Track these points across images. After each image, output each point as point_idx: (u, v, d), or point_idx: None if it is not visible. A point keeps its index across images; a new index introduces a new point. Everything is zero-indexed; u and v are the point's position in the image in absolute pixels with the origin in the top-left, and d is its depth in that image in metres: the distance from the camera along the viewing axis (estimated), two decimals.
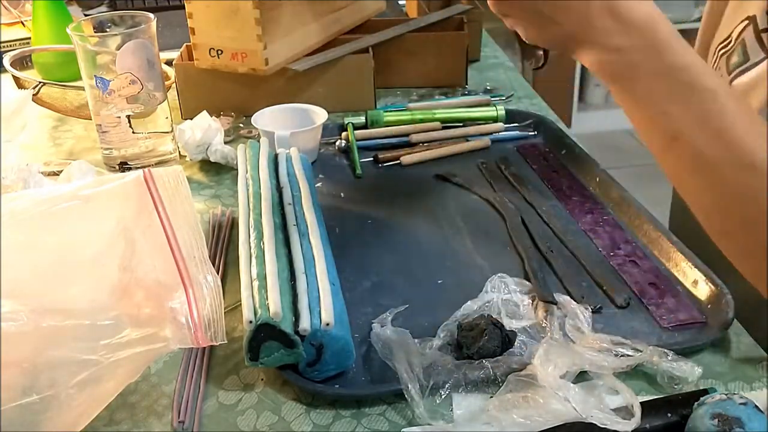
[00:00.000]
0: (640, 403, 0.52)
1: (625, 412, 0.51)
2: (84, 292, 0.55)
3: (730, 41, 0.75)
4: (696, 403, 0.49)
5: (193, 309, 0.55)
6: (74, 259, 0.59)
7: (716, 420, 0.47)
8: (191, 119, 0.91)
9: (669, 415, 0.51)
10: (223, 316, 0.56)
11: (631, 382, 0.56)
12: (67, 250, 0.60)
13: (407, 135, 0.95)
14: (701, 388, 0.54)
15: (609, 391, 0.54)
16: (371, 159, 0.92)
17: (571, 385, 0.53)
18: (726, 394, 0.49)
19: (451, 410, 0.54)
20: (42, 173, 0.82)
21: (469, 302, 0.63)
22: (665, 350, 0.56)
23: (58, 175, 0.82)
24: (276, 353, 0.55)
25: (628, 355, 0.57)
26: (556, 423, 0.50)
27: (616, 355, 0.56)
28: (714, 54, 0.78)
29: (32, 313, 0.52)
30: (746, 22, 0.73)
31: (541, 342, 0.56)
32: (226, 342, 0.55)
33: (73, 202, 0.64)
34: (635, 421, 0.50)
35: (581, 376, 0.56)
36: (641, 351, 0.57)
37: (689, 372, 0.55)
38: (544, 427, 0.50)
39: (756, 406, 0.48)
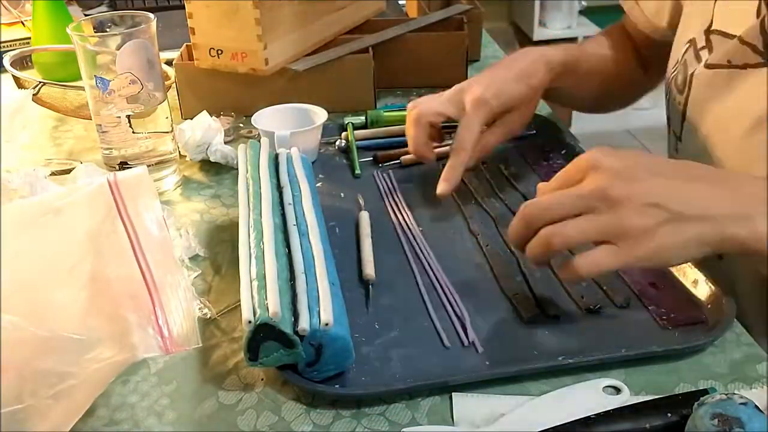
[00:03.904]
0: (640, 403, 0.52)
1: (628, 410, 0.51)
2: (58, 306, 0.54)
3: (677, 64, 0.82)
4: (696, 403, 0.49)
5: (159, 315, 0.53)
6: (51, 274, 0.58)
7: (716, 420, 0.47)
8: (191, 119, 0.91)
9: (669, 415, 0.51)
10: (195, 318, 0.54)
11: (632, 382, 0.56)
12: (44, 264, 0.59)
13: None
14: (701, 388, 0.54)
15: (609, 391, 0.55)
16: (371, 159, 0.92)
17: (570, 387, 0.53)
18: (726, 394, 0.49)
19: (452, 411, 0.54)
20: (48, 177, 0.82)
21: None
22: None
23: (66, 174, 0.82)
24: (275, 353, 0.55)
25: None
26: (556, 423, 0.50)
27: None
28: (667, 80, 0.84)
29: (9, 324, 0.51)
30: (687, 44, 0.79)
31: None
32: (201, 345, 0.54)
33: (46, 216, 0.63)
34: (625, 396, 0.53)
35: (582, 376, 0.56)
36: None
37: None
38: (544, 427, 0.50)
39: (756, 406, 0.48)
